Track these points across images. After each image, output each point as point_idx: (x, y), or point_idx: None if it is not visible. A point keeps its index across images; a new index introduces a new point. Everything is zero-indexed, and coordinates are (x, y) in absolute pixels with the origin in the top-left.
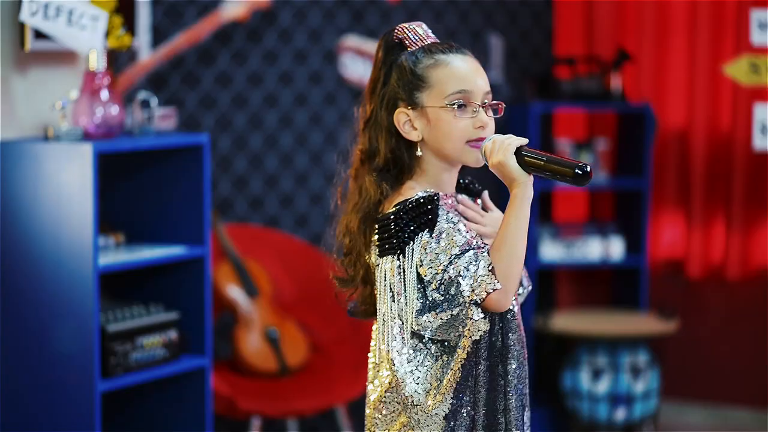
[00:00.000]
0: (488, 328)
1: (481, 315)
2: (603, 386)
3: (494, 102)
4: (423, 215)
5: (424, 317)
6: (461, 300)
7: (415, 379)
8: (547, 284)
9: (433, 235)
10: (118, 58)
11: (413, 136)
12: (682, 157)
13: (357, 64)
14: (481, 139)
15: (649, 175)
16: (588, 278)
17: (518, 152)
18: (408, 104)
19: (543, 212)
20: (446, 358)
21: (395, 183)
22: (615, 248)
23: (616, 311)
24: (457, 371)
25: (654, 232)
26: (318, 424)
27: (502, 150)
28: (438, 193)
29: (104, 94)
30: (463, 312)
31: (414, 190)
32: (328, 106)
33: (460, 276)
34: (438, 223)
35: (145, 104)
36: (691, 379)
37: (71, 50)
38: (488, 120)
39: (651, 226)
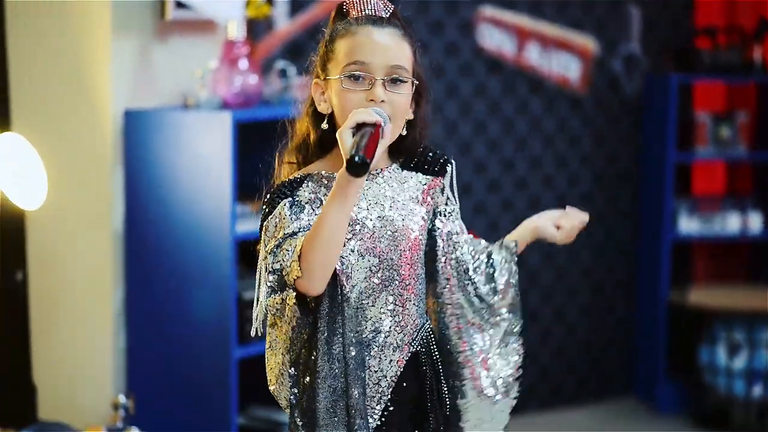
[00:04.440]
0: (304, 314)
1: (294, 300)
2: (740, 362)
3: (395, 76)
4: (279, 196)
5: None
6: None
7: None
8: (684, 258)
9: (271, 217)
10: (256, 28)
11: (323, 108)
12: None
13: (494, 34)
14: None
15: None
16: (726, 252)
17: (358, 128)
18: (322, 76)
19: (680, 185)
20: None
21: (306, 163)
22: (754, 222)
23: (754, 286)
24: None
25: None
26: None
27: (350, 119)
28: (305, 178)
29: (243, 64)
30: (285, 294)
31: (309, 170)
32: (464, 77)
33: (279, 261)
34: (281, 206)
35: (283, 73)
36: None
37: (211, 20)
38: (384, 95)
39: None
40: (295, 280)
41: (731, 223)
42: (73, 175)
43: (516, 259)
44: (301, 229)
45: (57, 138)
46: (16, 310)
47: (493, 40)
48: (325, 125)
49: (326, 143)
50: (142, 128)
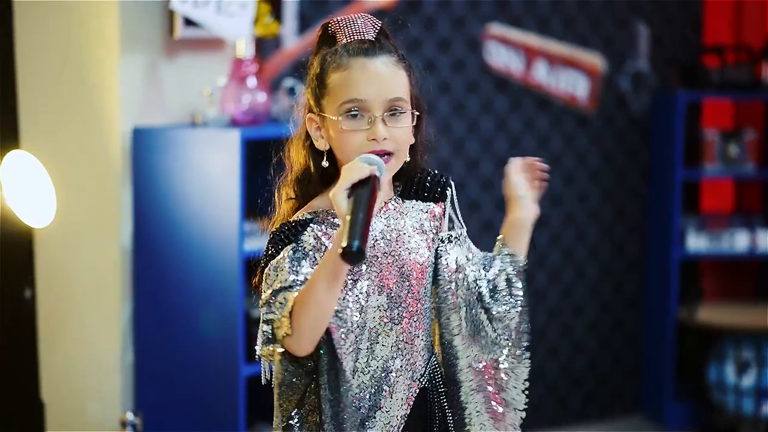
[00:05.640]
0: (292, 371)
1: (281, 357)
2: (749, 380)
3: (395, 110)
4: (282, 242)
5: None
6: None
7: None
8: (692, 276)
9: (272, 264)
10: (264, 46)
11: (320, 144)
12: None
13: (501, 52)
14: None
15: None
16: (734, 270)
17: (354, 188)
18: (317, 110)
19: (688, 203)
20: None
21: (307, 197)
22: (762, 240)
23: (763, 304)
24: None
25: None
26: None
27: (342, 180)
28: (309, 220)
29: (251, 81)
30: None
31: (313, 206)
32: (471, 94)
33: (273, 313)
34: (284, 254)
35: (291, 91)
36: None
37: (219, 38)
38: (385, 131)
39: None
40: (283, 337)
41: (740, 241)
42: (82, 193)
43: (520, 268)
44: (297, 283)
45: (65, 155)
46: (24, 327)
47: (501, 57)
48: (325, 163)
49: (327, 178)
50: (151, 146)
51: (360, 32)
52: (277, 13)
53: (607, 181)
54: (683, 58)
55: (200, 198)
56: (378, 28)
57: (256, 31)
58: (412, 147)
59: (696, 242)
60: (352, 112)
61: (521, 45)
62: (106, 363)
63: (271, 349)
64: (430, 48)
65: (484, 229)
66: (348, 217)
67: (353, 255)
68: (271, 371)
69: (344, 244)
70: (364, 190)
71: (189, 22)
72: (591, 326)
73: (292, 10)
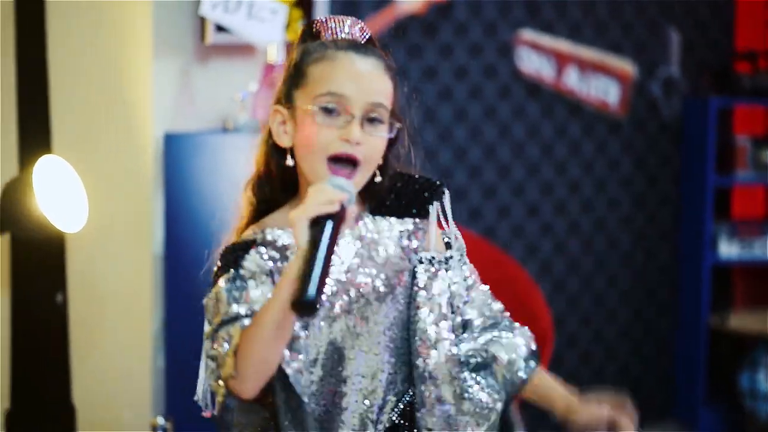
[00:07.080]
0: (244, 408)
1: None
2: None
3: (374, 115)
4: (229, 265)
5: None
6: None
7: None
8: (724, 282)
9: (209, 296)
10: None
11: (283, 140)
12: None
13: (532, 58)
14: (343, 157)
15: None
16: (766, 276)
17: (316, 222)
18: (285, 102)
19: (720, 209)
20: None
21: (265, 204)
22: None
23: None
24: None
25: None
26: None
27: (307, 207)
28: (255, 241)
29: None
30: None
31: (266, 224)
32: (503, 99)
33: (216, 349)
34: (226, 277)
35: None
36: None
37: (250, 43)
38: (361, 137)
39: None
40: (228, 377)
41: None
42: (114, 198)
43: (515, 389)
44: (241, 315)
45: (98, 161)
46: (56, 331)
47: (532, 63)
48: (290, 162)
49: (289, 181)
50: (182, 151)
51: (348, 33)
52: (308, 18)
53: (639, 187)
54: (715, 64)
55: (231, 203)
56: (368, 35)
57: (287, 36)
58: (382, 168)
59: (728, 249)
60: (329, 106)
61: (552, 51)
62: (138, 367)
63: (219, 384)
64: (462, 53)
65: (515, 234)
66: (305, 259)
67: (307, 307)
68: (213, 402)
69: (297, 292)
70: (328, 226)
71: (220, 28)
72: (623, 333)
73: (323, 14)
